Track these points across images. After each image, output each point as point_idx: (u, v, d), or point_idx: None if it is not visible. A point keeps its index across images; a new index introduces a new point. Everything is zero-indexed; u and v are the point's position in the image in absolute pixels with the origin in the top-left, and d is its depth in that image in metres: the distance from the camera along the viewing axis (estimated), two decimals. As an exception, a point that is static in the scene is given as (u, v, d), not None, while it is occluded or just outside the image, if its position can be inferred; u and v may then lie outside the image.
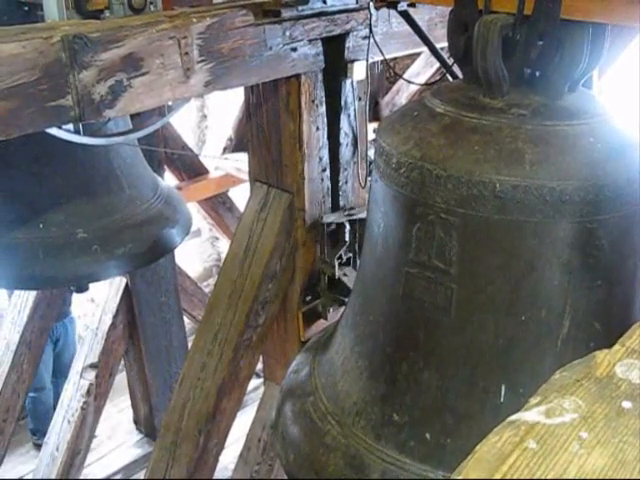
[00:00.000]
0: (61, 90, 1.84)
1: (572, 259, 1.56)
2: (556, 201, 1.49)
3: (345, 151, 2.68)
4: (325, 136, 2.62)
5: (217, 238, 7.54)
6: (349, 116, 2.65)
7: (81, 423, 4.59)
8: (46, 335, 4.85)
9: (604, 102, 1.72)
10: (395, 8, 2.13)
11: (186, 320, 5.32)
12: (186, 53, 2.06)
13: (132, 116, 2.93)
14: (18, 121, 1.78)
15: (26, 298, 4.53)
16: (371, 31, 2.43)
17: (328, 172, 2.68)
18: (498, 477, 0.66)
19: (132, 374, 5.29)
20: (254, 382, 3.71)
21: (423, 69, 5.02)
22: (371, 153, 2.52)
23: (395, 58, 4.03)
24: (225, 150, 5.49)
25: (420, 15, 2.41)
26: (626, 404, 0.76)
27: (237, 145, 5.39)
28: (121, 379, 5.28)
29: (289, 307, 2.81)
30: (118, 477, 5.49)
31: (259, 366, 3.06)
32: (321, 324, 2.79)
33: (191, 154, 5.29)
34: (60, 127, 2.44)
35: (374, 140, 1.91)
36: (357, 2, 2.47)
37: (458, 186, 1.53)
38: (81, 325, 6.04)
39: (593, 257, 1.57)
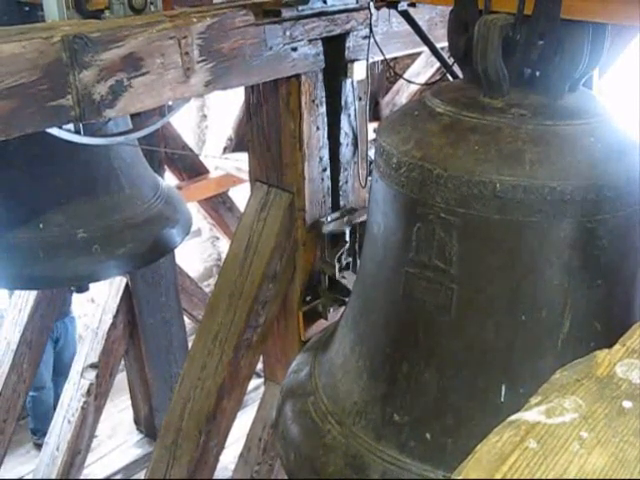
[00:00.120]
0: (61, 90, 1.84)
1: (572, 259, 1.56)
2: (556, 201, 1.49)
3: (345, 151, 2.68)
4: (325, 136, 2.62)
5: (217, 238, 7.54)
6: (349, 116, 2.65)
7: (81, 423, 4.59)
8: (46, 335, 4.85)
9: (604, 102, 1.72)
10: (395, 8, 2.13)
11: (186, 320, 5.32)
12: (186, 53, 2.06)
13: (132, 116, 2.93)
14: (18, 121, 1.78)
15: (26, 298, 4.54)
16: (371, 31, 2.43)
17: (328, 172, 2.68)
18: (498, 477, 0.66)
19: (132, 374, 5.29)
20: (254, 382, 3.71)
21: (423, 69, 5.02)
22: (371, 153, 2.52)
23: (395, 58, 4.03)
24: (225, 150, 5.50)
25: (420, 15, 2.41)
26: (626, 404, 0.76)
27: (237, 145, 5.39)
28: (121, 379, 5.28)
29: (289, 307, 2.81)
30: (118, 477, 5.50)
31: (259, 366, 3.06)
32: (321, 324, 2.78)
33: (191, 154, 5.29)
34: (60, 127, 2.44)
35: (374, 140, 1.91)
36: (357, 2, 2.47)
37: (458, 186, 1.53)
38: (81, 325, 6.05)
39: (593, 257, 1.57)
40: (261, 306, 2.72)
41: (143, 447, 5.63)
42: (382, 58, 2.54)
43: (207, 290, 5.91)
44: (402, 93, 5.33)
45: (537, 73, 1.67)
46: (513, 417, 0.74)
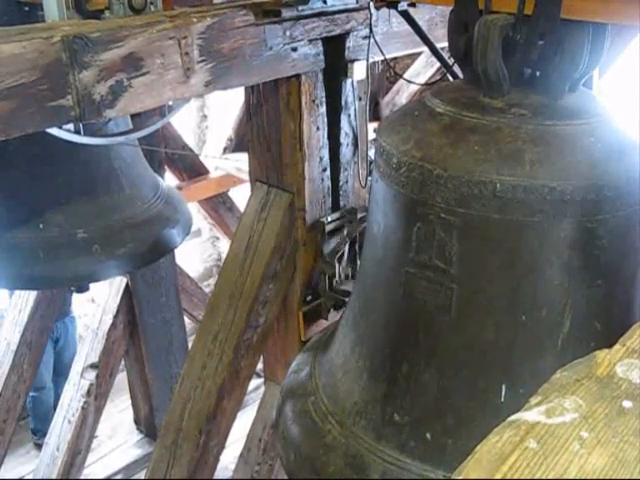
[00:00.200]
0: (61, 90, 1.84)
1: (572, 259, 1.56)
2: (556, 201, 1.49)
3: (345, 151, 2.68)
4: (325, 136, 2.62)
5: (217, 238, 7.54)
6: (349, 116, 2.65)
7: (81, 423, 4.59)
8: (47, 335, 4.85)
9: (604, 102, 1.72)
10: (395, 8, 2.13)
11: (186, 320, 5.32)
12: (186, 53, 2.06)
13: (132, 116, 2.93)
14: (18, 121, 1.78)
15: (26, 298, 4.53)
16: (371, 31, 2.43)
17: (328, 172, 2.68)
18: (498, 477, 0.66)
19: (132, 374, 5.29)
20: (255, 382, 3.71)
21: (423, 69, 5.02)
22: (371, 153, 2.52)
23: (395, 58, 4.03)
24: (225, 150, 5.50)
25: (420, 15, 2.41)
26: (627, 404, 0.75)
27: (237, 145, 5.40)
28: (121, 379, 5.28)
29: (289, 307, 2.81)
30: (119, 477, 5.50)
31: (259, 366, 3.06)
32: (321, 324, 2.78)
33: (191, 154, 5.29)
34: (60, 127, 2.44)
35: (374, 140, 1.91)
36: (357, 2, 2.47)
37: (458, 186, 1.53)
38: (81, 325, 6.04)
39: (593, 257, 1.57)
40: (261, 306, 2.72)
41: (143, 447, 5.63)
42: (382, 58, 2.54)
43: (207, 290, 5.91)
44: (402, 93, 5.33)
45: (537, 73, 1.67)
46: (513, 417, 0.74)
